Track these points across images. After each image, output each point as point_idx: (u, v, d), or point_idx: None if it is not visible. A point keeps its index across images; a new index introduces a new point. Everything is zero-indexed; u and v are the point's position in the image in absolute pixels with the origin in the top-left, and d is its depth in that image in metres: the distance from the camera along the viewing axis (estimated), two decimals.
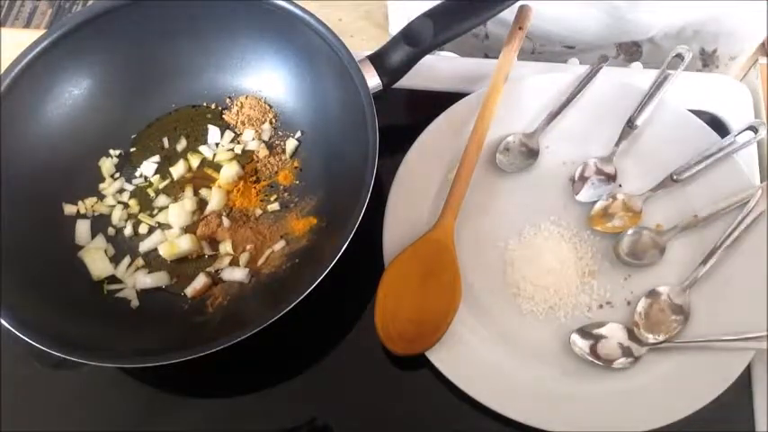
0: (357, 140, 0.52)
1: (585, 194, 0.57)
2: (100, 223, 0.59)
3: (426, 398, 0.52)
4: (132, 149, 0.63)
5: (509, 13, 0.60)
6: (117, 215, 0.60)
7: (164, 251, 0.57)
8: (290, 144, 0.62)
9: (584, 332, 0.51)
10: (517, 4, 0.61)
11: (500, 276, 0.55)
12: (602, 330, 0.51)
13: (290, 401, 0.53)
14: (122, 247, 0.59)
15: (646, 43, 0.77)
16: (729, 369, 0.49)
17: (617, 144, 0.58)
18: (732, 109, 0.62)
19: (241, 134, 0.63)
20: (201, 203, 0.60)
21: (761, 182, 0.58)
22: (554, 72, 0.63)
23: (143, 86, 0.63)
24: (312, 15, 0.57)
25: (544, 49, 0.80)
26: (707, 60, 0.80)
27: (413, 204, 0.57)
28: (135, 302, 0.55)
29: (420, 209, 0.57)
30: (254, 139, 0.62)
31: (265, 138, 0.62)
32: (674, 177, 0.56)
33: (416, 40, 0.57)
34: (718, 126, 0.61)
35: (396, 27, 0.85)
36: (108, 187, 0.61)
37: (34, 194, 0.58)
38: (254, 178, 0.61)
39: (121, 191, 0.61)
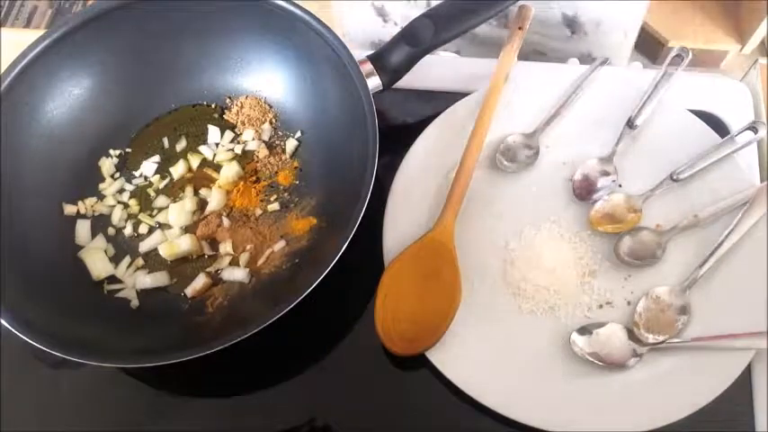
0: (357, 140, 0.52)
1: (585, 194, 0.57)
2: (100, 223, 0.59)
3: (426, 398, 0.52)
4: (132, 149, 0.63)
5: None
6: (117, 215, 0.60)
7: (164, 251, 0.57)
8: (290, 144, 0.62)
9: (585, 332, 0.51)
10: (517, 4, 0.61)
11: (500, 276, 0.55)
12: (602, 330, 0.51)
13: (290, 401, 0.53)
14: (122, 247, 0.59)
15: None
16: (729, 369, 0.49)
17: (617, 144, 0.58)
18: (732, 109, 0.62)
19: (241, 134, 0.63)
20: (201, 203, 0.60)
21: (761, 182, 0.58)
22: (554, 72, 0.63)
23: (143, 86, 0.63)
24: (312, 15, 0.57)
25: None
26: (573, 27, 0.79)
27: (413, 204, 0.57)
28: (135, 302, 0.55)
29: (420, 209, 0.57)
30: (254, 139, 0.62)
31: (265, 138, 0.62)
32: (674, 177, 0.56)
33: (416, 40, 0.57)
34: (719, 126, 0.61)
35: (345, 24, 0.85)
36: (108, 187, 0.61)
37: (34, 194, 0.58)
38: (254, 178, 0.61)
39: (121, 191, 0.61)
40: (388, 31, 0.82)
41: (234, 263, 0.57)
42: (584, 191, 0.57)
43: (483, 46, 0.80)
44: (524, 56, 0.80)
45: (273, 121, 0.63)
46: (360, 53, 0.57)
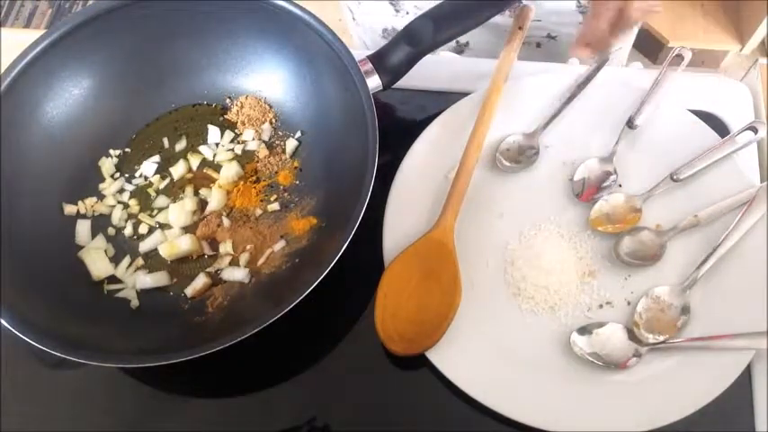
0: (357, 140, 0.52)
1: (585, 194, 0.57)
2: (100, 223, 0.59)
3: (426, 398, 0.52)
4: (132, 149, 0.63)
5: None
6: (117, 215, 0.60)
7: (164, 251, 0.57)
8: (290, 144, 0.62)
9: (585, 332, 0.51)
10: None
11: (500, 276, 0.55)
12: (602, 330, 0.51)
13: (290, 401, 0.53)
14: (122, 247, 0.59)
15: None
16: (729, 369, 0.49)
17: (617, 144, 0.58)
18: (732, 109, 0.62)
19: (241, 134, 0.63)
20: (201, 203, 0.60)
21: (761, 182, 0.58)
22: (554, 72, 0.63)
23: (143, 86, 0.63)
24: (312, 15, 0.57)
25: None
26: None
27: (413, 204, 0.57)
28: (135, 302, 0.55)
29: (420, 209, 0.57)
30: (254, 139, 0.62)
31: (265, 138, 0.62)
32: (674, 177, 0.56)
33: (416, 40, 0.57)
34: (719, 126, 0.61)
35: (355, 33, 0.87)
36: (108, 187, 0.61)
37: (34, 194, 0.58)
38: (254, 178, 0.61)
39: (121, 191, 0.61)
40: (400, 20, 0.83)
41: (234, 263, 0.57)
42: (584, 191, 0.57)
43: (493, 34, 0.81)
44: (532, 44, 0.81)
45: (273, 121, 0.63)
46: (360, 53, 0.57)
